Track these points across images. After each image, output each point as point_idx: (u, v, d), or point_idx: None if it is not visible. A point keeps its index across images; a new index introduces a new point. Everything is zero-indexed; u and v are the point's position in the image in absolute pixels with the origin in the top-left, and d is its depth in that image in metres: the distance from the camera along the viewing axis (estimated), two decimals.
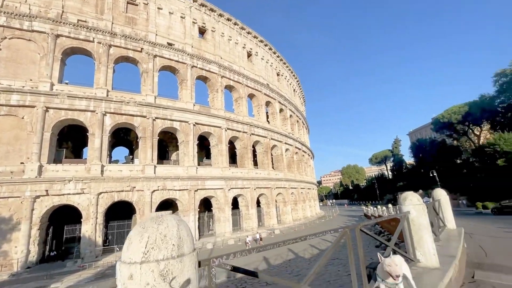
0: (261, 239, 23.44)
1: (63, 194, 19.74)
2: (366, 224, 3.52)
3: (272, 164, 37.29)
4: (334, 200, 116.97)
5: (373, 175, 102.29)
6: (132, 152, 30.82)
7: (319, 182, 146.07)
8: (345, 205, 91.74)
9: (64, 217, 21.94)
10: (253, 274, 2.03)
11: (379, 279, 2.85)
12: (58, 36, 22.21)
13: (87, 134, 22.05)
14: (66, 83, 22.74)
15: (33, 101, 20.05)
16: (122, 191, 21.91)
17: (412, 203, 4.20)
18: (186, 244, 1.45)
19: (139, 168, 23.26)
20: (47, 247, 20.37)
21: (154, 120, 24.69)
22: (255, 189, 30.94)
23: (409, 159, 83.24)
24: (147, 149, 23.80)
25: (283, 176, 36.78)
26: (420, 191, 43.14)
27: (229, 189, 28.22)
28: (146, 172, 23.09)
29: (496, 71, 48.93)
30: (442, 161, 58.45)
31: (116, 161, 29.47)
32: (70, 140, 27.77)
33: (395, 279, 2.61)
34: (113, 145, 32.31)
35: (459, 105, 54.97)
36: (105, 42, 23.79)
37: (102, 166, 21.52)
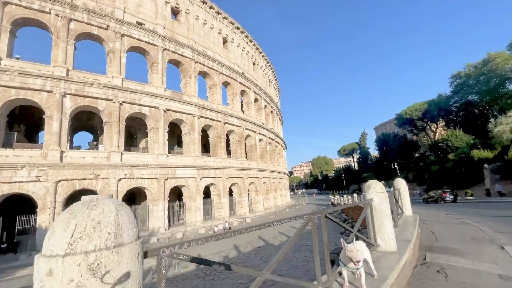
0: (229, 228, 23.52)
1: (14, 182, 17.92)
2: (331, 212, 3.58)
3: (246, 154, 37.30)
4: (304, 190, 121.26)
5: (341, 166, 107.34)
6: (96, 138, 28.81)
7: (291, 172, 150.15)
8: (314, 194, 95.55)
9: (16, 207, 20.08)
10: (208, 264, 1.92)
11: (342, 264, 2.92)
12: (6, 3, 19.58)
13: (44, 116, 20.08)
14: (17, 58, 20.31)
15: None
16: (85, 179, 20.50)
17: (375, 190, 4.36)
18: (127, 232, 1.27)
19: (104, 155, 21.85)
20: None
21: (121, 104, 23.16)
22: (227, 178, 30.81)
23: (374, 152, 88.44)
24: (113, 135, 22.37)
25: (256, 166, 37.05)
26: (382, 181, 46.20)
27: (201, 178, 27.77)
28: (112, 160, 21.77)
29: (453, 73, 53.06)
30: (403, 154, 62.94)
31: (78, 147, 27.44)
32: (23, 123, 25.13)
33: (355, 264, 2.68)
34: (74, 129, 29.93)
35: (420, 103, 59.13)
36: (64, 15, 21.49)
37: (62, 152, 19.84)
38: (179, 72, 30.62)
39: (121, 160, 22.23)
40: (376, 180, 4.54)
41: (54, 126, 19.88)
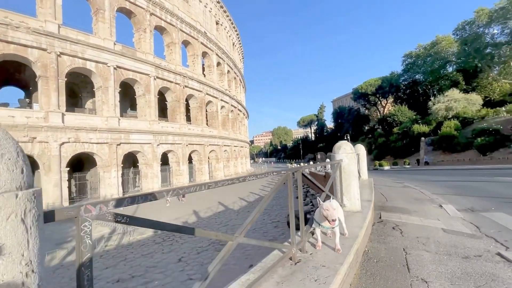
0: (183, 196, 23.14)
1: None
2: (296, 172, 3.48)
3: (207, 121, 36.10)
4: (263, 159, 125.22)
5: (299, 137, 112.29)
6: (29, 95, 24.64)
7: (252, 142, 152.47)
8: (272, 163, 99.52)
9: None
10: (164, 228, 1.56)
11: (316, 223, 2.87)
12: None
13: None
14: None
15: None
16: (19, 141, 17.66)
17: (345, 151, 4.36)
18: None
19: (40, 115, 18.90)
20: None
21: (59, 55, 19.72)
22: (187, 145, 29.76)
23: (330, 124, 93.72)
24: (51, 92, 19.28)
25: (217, 134, 36.33)
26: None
27: (158, 144, 26.30)
28: (50, 121, 18.99)
29: (405, 52, 56.75)
30: (356, 127, 67.94)
31: (6, 104, 23.16)
32: None
33: (331, 223, 2.63)
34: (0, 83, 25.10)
35: (374, 79, 62.90)
36: None
37: None
38: (132, 25, 26.90)
39: (63, 121, 19.55)
40: (346, 141, 4.51)
41: None
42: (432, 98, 45.36)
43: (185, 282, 6.89)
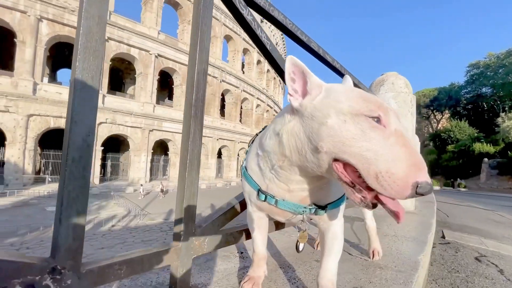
0: (162, 190, 20.36)
1: None
2: None
3: (240, 117, 35.56)
4: None
5: None
6: None
7: None
8: None
9: None
10: None
11: None
12: None
13: (16, 41, 17.73)
14: None
15: None
16: (61, 117, 18.80)
17: (394, 89, 2.48)
18: None
19: None
20: None
21: (106, 40, 20.65)
22: (217, 139, 29.40)
23: None
24: None
25: (250, 132, 35.50)
26: None
27: (217, 139, 26.44)
28: None
29: (471, 62, 49.90)
30: None
31: (60, 83, 25.28)
32: None
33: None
34: (58, 65, 27.55)
35: (430, 89, 56.58)
36: None
37: (35, 84, 17.88)
38: (177, 16, 27.52)
39: (102, 102, 20.37)
40: (395, 73, 2.67)
41: (27, 53, 17.65)
42: (502, 115, 38.74)
43: None
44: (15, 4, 17.23)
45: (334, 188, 0.80)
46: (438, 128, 56.22)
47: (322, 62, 1.84)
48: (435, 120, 60.42)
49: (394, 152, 0.52)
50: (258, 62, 39.33)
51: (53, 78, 26.50)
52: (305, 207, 0.78)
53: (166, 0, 25.19)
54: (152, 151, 23.48)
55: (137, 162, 22.44)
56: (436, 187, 31.06)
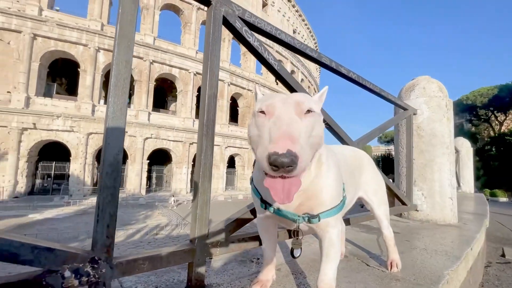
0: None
1: (52, 130, 19.01)
2: None
3: None
4: None
5: (380, 154, 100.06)
6: (129, 97, 29.55)
7: None
8: None
9: (54, 154, 21.56)
10: None
11: None
12: None
13: (79, 70, 20.63)
14: (57, 10, 20.73)
15: (19, 25, 18.36)
16: None
17: (425, 94, 2.35)
18: None
19: (132, 113, 22.14)
20: (37, 181, 20.33)
21: (151, 63, 22.88)
22: (226, 147, 29.85)
23: None
24: (142, 94, 22.42)
25: None
26: None
27: (226, 147, 27.20)
28: (139, 118, 22.01)
29: None
30: None
31: None
32: (65, 76, 26.44)
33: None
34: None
35: (488, 87, 50.44)
36: None
37: (93, 106, 20.46)
38: None
39: (148, 119, 22.36)
40: (427, 77, 2.53)
41: (88, 80, 20.35)
42: None
43: None
44: (78, 39, 20.16)
45: (326, 197, 0.85)
46: (502, 130, 49.43)
47: (337, 74, 1.88)
48: (496, 122, 53.36)
49: (264, 133, 0.61)
50: (292, 72, 39.46)
51: (106, 98, 29.88)
52: (298, 216, 0.84)
53: (203, 22, 27.03)
54: (192, 163, 24.78)
55: (179, 173, 23.86)
56: (504, 199, 27.07)
